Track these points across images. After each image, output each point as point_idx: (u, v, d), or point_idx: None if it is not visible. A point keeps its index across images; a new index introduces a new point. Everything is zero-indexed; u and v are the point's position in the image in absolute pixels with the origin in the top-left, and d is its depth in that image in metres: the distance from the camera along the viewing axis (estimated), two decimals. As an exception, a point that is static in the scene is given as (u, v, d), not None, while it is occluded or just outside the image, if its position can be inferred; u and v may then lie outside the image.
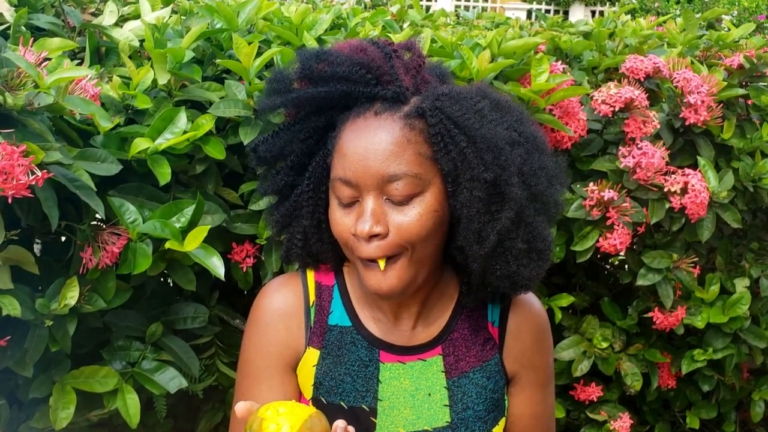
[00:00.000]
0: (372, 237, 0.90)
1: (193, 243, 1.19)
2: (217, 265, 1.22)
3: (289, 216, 1.03)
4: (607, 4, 11.55)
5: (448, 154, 0.90)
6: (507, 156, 0.90)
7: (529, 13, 10.35)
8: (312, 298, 1.05)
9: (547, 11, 11.57)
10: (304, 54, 0.97)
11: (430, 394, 1.03)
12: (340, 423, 0.83)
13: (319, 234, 1.02)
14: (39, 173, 0.99)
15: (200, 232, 1.19)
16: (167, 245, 1.19)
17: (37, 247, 1.48)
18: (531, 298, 1.11)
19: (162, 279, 1.55)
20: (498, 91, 1.01)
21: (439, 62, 1.06)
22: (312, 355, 1.04)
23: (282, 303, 1.05)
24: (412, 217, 0.90)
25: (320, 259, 1.06)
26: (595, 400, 1.89)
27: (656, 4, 9.67)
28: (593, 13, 11.75)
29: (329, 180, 0.97)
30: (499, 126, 0.92)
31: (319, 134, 0.98)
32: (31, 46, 1.15)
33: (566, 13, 11.87)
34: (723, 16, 3.04)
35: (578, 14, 11.21)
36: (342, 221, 0.93)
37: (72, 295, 1.19)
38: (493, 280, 0.96)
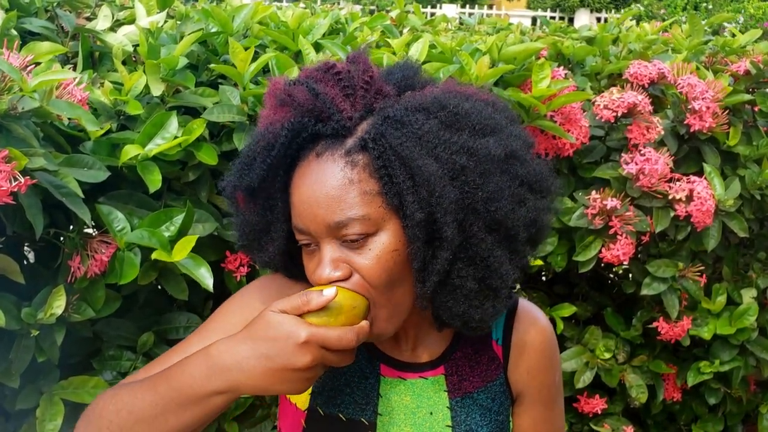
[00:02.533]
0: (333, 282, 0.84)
1: (181, 253, 1.16)
2: (205, 276, 1.19)
3: (268, 255, 0.95)
4: (613, 10, 11.53)
5: (392, 188, 0.82)
6: (441, 192, 0.81)
7: (534, 20, 10.34)
8: None
9: (552, 18, 11.56)
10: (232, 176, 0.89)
11: (431, 413, 0.99)
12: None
13: (293, 261, 0.96)
14: (22, 179, 0.96)
15: (188, 242, 1.16)
16: (154, 255, 1.16)
17: (31, 256, 1.46)
18: (535, 311, 1.06)
19: (155, 288, 1.52)
20: (465, 92, 0.90)
21: (404, 61, 0.97)
22: None
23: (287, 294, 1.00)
24: (371, 260, 0.83)
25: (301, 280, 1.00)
26: (599, 412, 1.85)
27: (662, 11, 9.65)
28: (599, 19, 11.74)
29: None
30: (445, 151, 0.82)
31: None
32: (18, 50, 1.12)
33: (571, 20, 11.86)
34: (726, 24, 3.00)
35: (584, 21, 11.19)
36: (309, 266, 0.89)
37: (58, 304, 1.16)
38: (445, 316, 0.89)
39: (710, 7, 9.81)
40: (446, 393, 0.99)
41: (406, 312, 0.89)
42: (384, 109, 0.85)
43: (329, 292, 0.80)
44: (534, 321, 1.05)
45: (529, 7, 13.24)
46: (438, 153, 0.82)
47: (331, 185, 0.82)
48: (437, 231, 0.82)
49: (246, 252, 0.98)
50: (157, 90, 1.33)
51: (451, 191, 0.82)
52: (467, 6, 12.06)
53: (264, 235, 0.91)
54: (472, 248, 0.84)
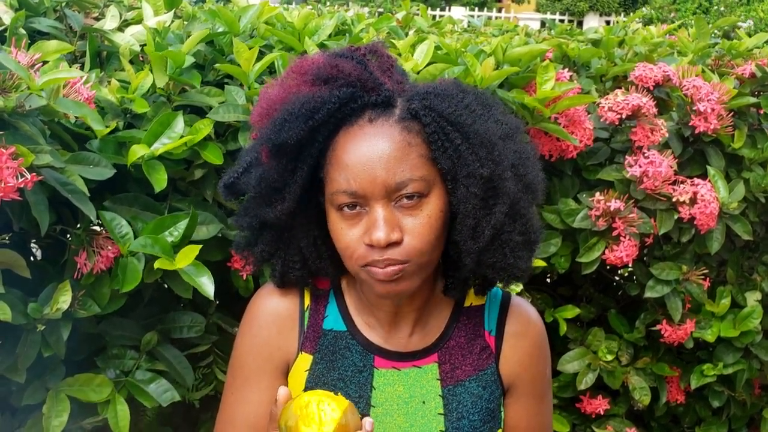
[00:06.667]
0: (388, 245, 0.88)
1: (184, 261, 1.17)
2: (206, 284, 1.20)
3: (276, 241, 0.99)
4: (622, 13, 11.51)
5: (446, 152, 0.89)
6: (500, 150, 0.91)
7: (543, 23, 10.33)
8: (307, 302, 1.05)
9: (561, 21, 11.54)
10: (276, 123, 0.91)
11: (424, 402, 1.02)
12: (368, 419, 0.87)
13: (317, 251, 0.99)
14: (28, 176, 0.98)
15: (192, 251, 1.17)
16: (157, 264, 1.17)
17: (38, 252, 1.48)
18: (528, 307, 1.10)
19: (160, 285, 1.53)
20: (469, 85, 1.02)
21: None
22: (304, 361, 1.03)
23: (276, 305, 1.05)
24: (422, 221, 0.90)
25: (321, 274, 1.03)
26: (602, 413, 1.85)
27: (672, 15, 9.63)
28: (608, 23, 11.72)
29: (320, 193, 0.94)
30: (489, 120, 0.93)
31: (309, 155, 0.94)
32: (26, 49, 1.14)
33: (580, 23, 11.85)
34: (738, 25, 2.99)
35: (592, 24, 11.17)
36: (348, 233, 0.90)
37: (64, 300, 1.17)
38: (489, 272, 0.95)
39: (722, 9, 9.79)
40: (439, 381, 1.02)
41: (427, 272, 0.95)
42: (411, 88, 0.94)
43: None
44: (526, 315, 1.09)
45: (538, 11, 13.24)
46: (485, 120, 0.92)
47: (392, 147, 0.88)
48: (493, 188, 0.91)
49: (240, 181, 0.98)
50: (161, 81, 1.33)
51: (507, 149, 0.92)
52: (476, 9, 12.07)
53: (276, 194, 0.94)
54: (515, 205, 0.92)
